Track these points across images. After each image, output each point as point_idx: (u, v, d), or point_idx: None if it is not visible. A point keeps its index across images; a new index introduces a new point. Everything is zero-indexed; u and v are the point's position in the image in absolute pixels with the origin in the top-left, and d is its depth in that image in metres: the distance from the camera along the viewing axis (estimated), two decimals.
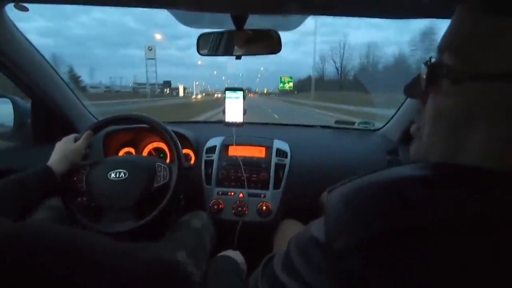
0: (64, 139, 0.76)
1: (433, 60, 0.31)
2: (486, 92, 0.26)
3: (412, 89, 0.34)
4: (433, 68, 0.30)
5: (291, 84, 50.64)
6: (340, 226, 0.27)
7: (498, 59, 0.25)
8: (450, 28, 0.30)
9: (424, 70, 0.31)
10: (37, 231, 0.24)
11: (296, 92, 57.95)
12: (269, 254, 0.39)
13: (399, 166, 0.30)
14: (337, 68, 48.60)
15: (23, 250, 0.20)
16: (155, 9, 0.66)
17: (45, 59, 0.92)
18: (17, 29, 0.82)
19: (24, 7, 0.75)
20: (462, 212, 0.24)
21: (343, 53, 48.02)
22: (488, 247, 0.23)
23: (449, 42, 0.29)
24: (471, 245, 0.23)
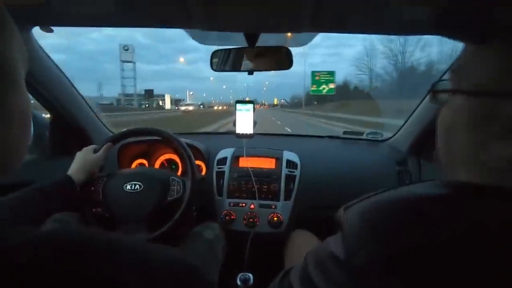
0: (84, 149, 0.80)
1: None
2: (464, 106, 0.30)
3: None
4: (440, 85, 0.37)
5: (331, 85, 27.76)
6: (360, 243, 0.29)
7: (473, 78, 0.30)
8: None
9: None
10: (76, 233, 0.25)
11: (315, 102, 43.12)
12: (285, 268, 0.41)
13: (414, 185, 0.33)
14: (397, 68, 32.83)
15: (65, 252, 0.21)
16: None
17: (64, 75, 0.96)
18: (40, 47, 0.88)
19: (49, 28, 0.79)
20: (481, 228, 0.26)
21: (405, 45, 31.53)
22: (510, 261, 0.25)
23: (453, 64, 0.37)
24: (492, 259, 0.25)
